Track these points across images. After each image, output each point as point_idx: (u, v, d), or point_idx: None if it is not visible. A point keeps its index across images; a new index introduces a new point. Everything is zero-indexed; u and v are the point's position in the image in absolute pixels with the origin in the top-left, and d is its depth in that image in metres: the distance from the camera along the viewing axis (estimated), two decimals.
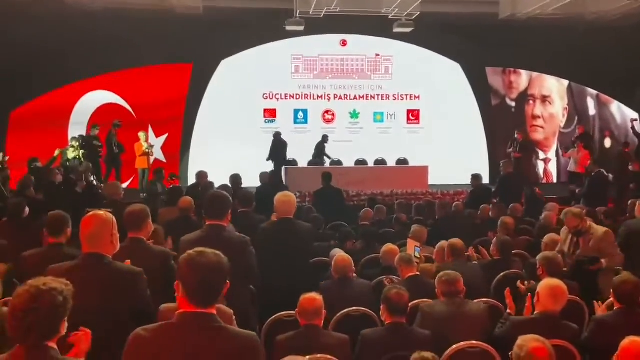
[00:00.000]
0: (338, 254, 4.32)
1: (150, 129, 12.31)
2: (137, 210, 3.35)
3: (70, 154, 10.46)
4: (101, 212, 2.75)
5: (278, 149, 11.72)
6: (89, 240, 2.67)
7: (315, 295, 3.17)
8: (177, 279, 2.00)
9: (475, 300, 3.65)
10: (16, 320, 1.93)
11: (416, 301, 3.55)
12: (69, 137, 11.68)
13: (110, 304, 2.52)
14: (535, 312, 3.22)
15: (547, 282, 3.26)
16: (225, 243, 3.32)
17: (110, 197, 6.08)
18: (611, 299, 3.41)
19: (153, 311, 2.66)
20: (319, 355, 2.71)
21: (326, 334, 3.19)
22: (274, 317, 3.53)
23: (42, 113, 11.88)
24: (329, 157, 12.13)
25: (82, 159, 10.46)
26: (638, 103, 13.30)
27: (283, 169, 11.63)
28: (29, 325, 1.91)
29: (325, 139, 12.24)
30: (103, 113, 12.20)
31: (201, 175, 7.95)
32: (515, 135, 12.12)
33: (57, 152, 10.36)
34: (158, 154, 12.33)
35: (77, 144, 10.66)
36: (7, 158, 10.08)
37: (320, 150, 12.10)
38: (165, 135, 12.62)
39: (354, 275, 4.20)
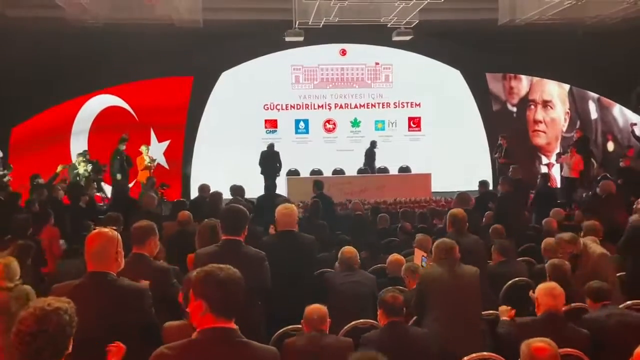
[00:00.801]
0: (345, 246, 4.42)
1: (152, 133, 12.37)
2: (142, 226, 3.37)
3: (81, 169, 10.50)
4: (106, 229, 2.74)
5: (269, 160, 11.58)
6: (93, 257, 2.64)
7: (320, 305, 3.26)
8: (197, 295, 2.00)
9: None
10: (24, 345, 1.91)
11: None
12: (72, 150, 11.75)
13: (116, 321, 2.50)
14: (539, 315, 3.28)
15: (543, 285, 3.40)
16: (242, 258, 3.31)
17: (146, 208, 6.26)
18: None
19: (159, 328, 2.63)
20: None
21: (331, 337, 3.27)
22: (280, 331, 3.50)
23: (44, 128, 11.92)
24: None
25: (90, 174, 10.52)
26: (634, 105, 13.22)
27: (285, 179, 11.63)
28: (38, 348, 1.90)
29: (374, 144, 12.35)
30: (106, 116, 12.26)
31: (204, 189, 7.93)
32: (499, 141, 12.10)
33: (59, 168, 10.38)
34: (160, 159, 12.32)
35: (85, 158, 10.72)
36: (8, 174, 10.10)
37: (371, 157, 12.20)
38: (168, 142, 12.61)
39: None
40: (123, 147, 11.04)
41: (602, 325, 3.31)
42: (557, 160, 12.88)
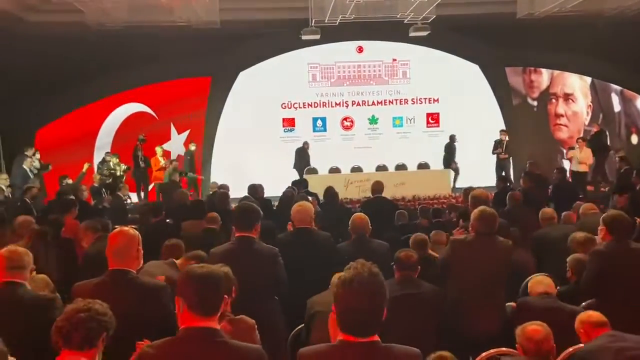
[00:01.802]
0: (356, 213, 4.48)
1: (172, 128, 12.56)
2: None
3: (112, 169, 10.73)
4: (127, 228, 2.81)
5: (301, 157, 12.06)
6: (115, 255, 2.72)
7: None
8: (178, 294, 2.04)
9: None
10: (66, 321, 2.09)
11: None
12: (95, 153, 11.99)
13: (137, 318, 2.55)
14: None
15: (534, 277, 3.73)
16: (255, 255, 3.36)
17: (179, 202, 6.84)
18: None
19: (177, 326, 2.67)
20: None
21: None
22: (299, 327, 3.52)
23: (67, 131, 12.16)
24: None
25: (122, 173, 10.76)
26: None
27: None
28: (76, 324, 2.07)
29: (453, 138, 12.46)
30: (129, 123, 12.51)
31: (211, 187, 8.03)
32: (500, 137, 11.99)
33: (85, 167, 10.61)
34: (181, 150, 12.40)
35: (117, 160, 10.96)
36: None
37: (450, 151, 12.32)
38: (187, 131, 12.70)
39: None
40: (140, 148, 11.32)
41: (608, 257, 3.53)
42: (566, 155, 12.50)
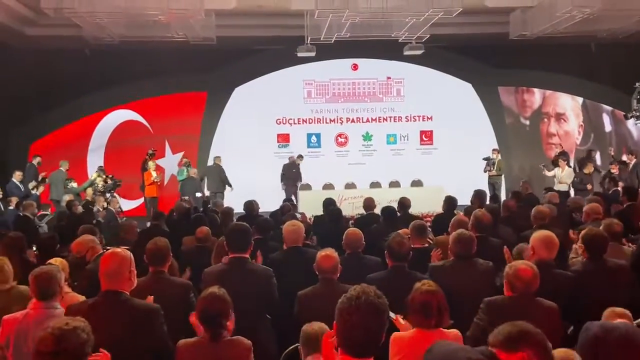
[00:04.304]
0: (350, 228, 4.36)
1: (167, 145, 12.59)
2: (159, 246, 3.38)
3: (100, 183, 10.72)
4: (119, 250, 2.82)
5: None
6: (107, 277, 2.73)
7: (330, 253, 3.40)
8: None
9: None
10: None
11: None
12: (88, 165, 11.98)
13: (128, 341, 2.55)
14: (533, 261, 3.40)
15: (539, 234, 3.58)
16: (249, 275, 3.36)
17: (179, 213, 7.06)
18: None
19: (171, 348, 2.67)
20: None
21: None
22: (292, 347, 3.51)
23: (61, 143, 12.15)
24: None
25: (105, 189, 10.73)
26: (632, 109, 12.66)
27: (297, 192, 11.70)
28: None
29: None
30: (122, 131, 12.55)
31: (217, 205, 8.01)
32: (492, 155, 12.07)
33: (94, 176, 10.65)
34: (174, 170, 12.42)
35: (102, 174, 10.92)
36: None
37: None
38: (182, 153, 12.66)
39: None
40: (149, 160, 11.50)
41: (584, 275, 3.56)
42: (545, 173, 12.29)
